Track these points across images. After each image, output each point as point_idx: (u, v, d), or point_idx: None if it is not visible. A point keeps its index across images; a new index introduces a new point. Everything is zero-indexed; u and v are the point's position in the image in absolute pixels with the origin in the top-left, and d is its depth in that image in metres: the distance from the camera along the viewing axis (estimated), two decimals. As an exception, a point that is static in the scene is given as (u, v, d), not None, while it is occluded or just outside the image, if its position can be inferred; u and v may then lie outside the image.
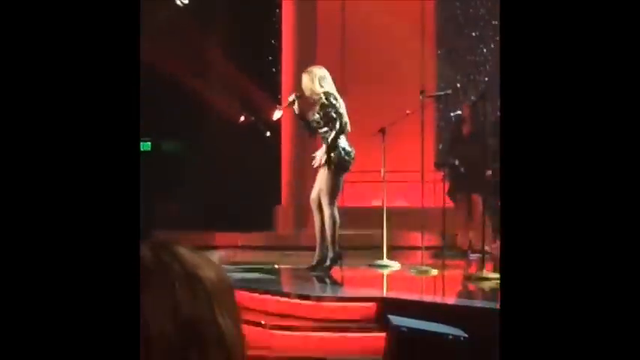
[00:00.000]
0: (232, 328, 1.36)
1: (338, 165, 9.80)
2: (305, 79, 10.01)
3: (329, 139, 9.78)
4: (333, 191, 9.81)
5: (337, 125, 9.77)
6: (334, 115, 9.78)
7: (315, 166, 10.01)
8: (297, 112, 10.02)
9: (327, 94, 9.84)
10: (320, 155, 9.90)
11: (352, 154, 9.88)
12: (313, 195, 9.95)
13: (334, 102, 9.83)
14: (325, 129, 9.83)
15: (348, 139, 9.95)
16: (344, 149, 9.83)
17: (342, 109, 9.87)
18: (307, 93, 9.94)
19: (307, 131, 10.20)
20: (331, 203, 9.77)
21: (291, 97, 10.05)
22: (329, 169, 9.79)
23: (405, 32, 14.44)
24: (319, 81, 9.89)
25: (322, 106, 9.83)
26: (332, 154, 9.78)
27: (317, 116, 9.87)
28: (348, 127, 9.92)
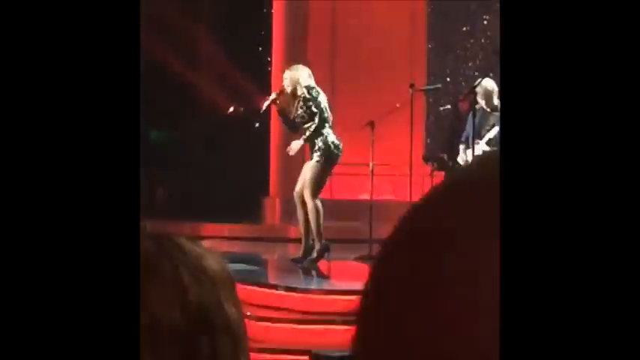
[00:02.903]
0: (238, 316, 1.37)
1: (327, 158, 9.81)
2: (287, 75, 10.03)
3: (309, 131, 9.80)
4: (318, 184, 9.81)
5: (316, 119, 9.78)
6: (315, 110, 9.79)
7: (290, 154, 10.03)
8: (278, 109, 10.05)
9: (308, 88, 9.86)
10: (295, 145, 9.92)
11: (340, 148, 9.89)
12: (297, 188, 9.95)
13: (316, 95, 9.85)
14: (309, 124, 9.84)
15: (335, 133, 9.96)
16: (333, 143, 9.83)
17: (324, 103, 9.89)
18: (289, 89, 9.95)
19: (289, 129, 10.22)
20: (314, 196, 9.77)
21: (273, 95, 10.07)
22: (317, 161, 9.80)
23: (396, 26, 14.43)
24: (302, 77, 9.91)
25: (305, 100, 9.85)
26: (323, 147, 9.77)
27: (300, 111, 9.88)
28: (330, 120, 9.93)
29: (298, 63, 10.54)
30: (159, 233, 1.42)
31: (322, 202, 9.99)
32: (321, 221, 9.79)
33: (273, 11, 14.96)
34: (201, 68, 16.20)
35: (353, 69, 14.25)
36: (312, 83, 9.97)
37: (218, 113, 16.09)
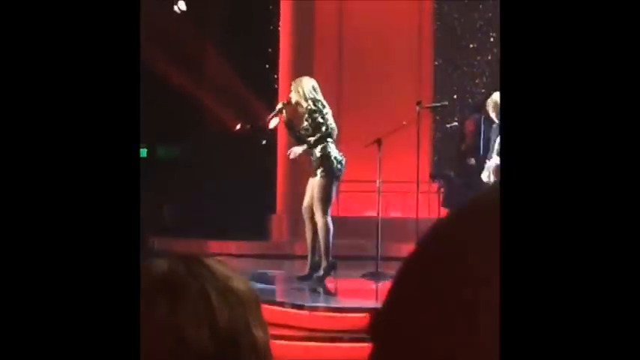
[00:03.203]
0: (265, 338, 1.38)
1: (330, 173, 9.81)
2: (294, 87, 10.06)
3: (312, 141, 9.81)
4: (327, 200, 9.81)
5: (323, 129, 9.80)
6: (321, 120, 9.81)
7: (290, 157, 10.05)
8: (284, 119, 10.06)
9: (314, 101, 9.87)
10: (297, 149, 9.93)
11: (344, 163, 9.90)
12: (305, 204, 9.95)
13: (321, 108, 9.86)
14: (314, 137, 9.85)
15: (338, 148, 9.98)
16: (335, 158, 9.84)
17: (329, 116, 9.91)
18: (295, 101, 9.97)
19: (295, 140, 10.22)
20: (325, 212, 9.77)
21: (279, 106, 10.09)
22: (321, 177, 9.80)
23: (402, 43, 14.45)
24: (308, 89, 9.92)
25: (310, 112, 9.86)
26: (326, 162, 9.78)
27: (305, 124, 9.89)
28: (335, 133, 9.94)
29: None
30: (187, 255, 1.43)
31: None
32: (331, 238, 9.78)
33: (280, 29, 14.99)
34: (209, 86, 16.23)
35: (360, 87, 14.27)
36: (319, 95, 9.98)
37: (225, 131, 16.10)
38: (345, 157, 9.94)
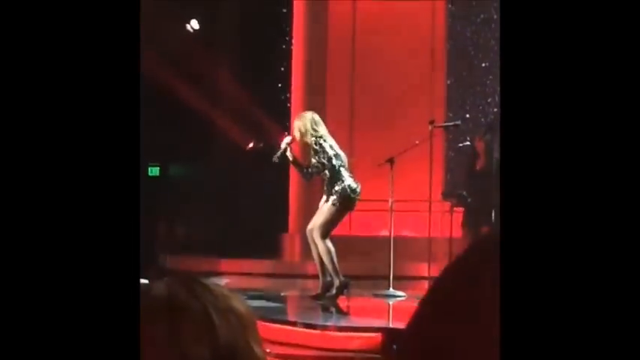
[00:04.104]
0: (262, 355, 1.42)
1: (344, 203, 9.78)
2: (297, 125, 10.02)
3: (327, 177, 9.78)
4: (329, 227, 9.77)
5: (333, 162, 9.75)
6: (327, 156, 9.77)
7: (274, 161, 9.99)
8: (290, 158, 10.01)
9: (316, 137, 9.83)
10: (277, 155, 9.89)
11: (358, 191, 9.83)
12: (309, 226, 9.92)
13: (323, 143, 9.81)
14: (327, 173, 9.82)
15: (353, 175, 9.92)
16: (349, 186, 9.78)
17: (335, 147, 9.84)
18: (299, 138, 9.97)
19: (304, 179, 10.23)
20: (324, 237, 9.73)
21: (284, 144, 10.01)
22: (332, 204, 9.76)
23: (415, 63, 14.46)
24: (311, 126, 9.88)
25: (315, 151, 9.85)
26: (340, 192, 9.72)
27: (314, 161, 9.87)
28: (346, 160, 9.89)
29: (317, 99, 10.54)
30: (188, 276, 1.47)
31: (341, 238, 9.94)
32: (335, 259, 9.74)
33: (292, 48, 15.03)
34: (221, 105, 16.26)
35: (372, 106, 14.27)
36: (320, 130, 9.92)
37: (238, 149, 16.13)
38: (359, 183, 9.87)
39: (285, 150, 9.95)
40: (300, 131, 9.90)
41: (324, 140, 9.85)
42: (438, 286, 0.91)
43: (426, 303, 0.90)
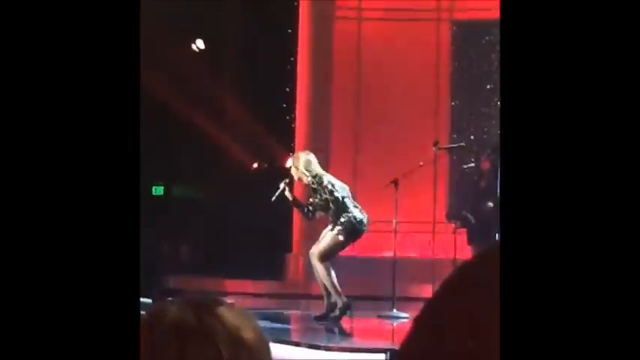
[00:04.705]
0: None
1: (349, 234, 9.77)
2: (293, 163, 10.01)
3: (332, 213, 9.77)
4: (329, 252, 9.77)
5: (336, 195, 9.74)
6: (328, 193, 9.77)
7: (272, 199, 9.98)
8: (290, 198, 10.01)
9: (313, 177, 9.83)
10: (275, 195, 9.87)
11: (365, 222, 9.81)
12: (312, 250, 9.92)
13: (322, 180, 9.81)
14: (330, 213, 9.82)
15: (358, 206, 9.89)
16: (355, 217, 9.77)
17: (335, 184, 9.83)
18: (297, 178, 9.98)
19: (306, 218, 10.22)
20: (322, 260, 9.72)
21: (282, 185, 9.99)
22: (336, 234, 9.75)
23: (420, 85, 14.49)
24: (305, 166, 9.88)
25: (314, 190, 9.86)
26: (346, 223, 9.71)
27: (316, 200, 9.88)
28: (348, 195, 9.87)
29: (322, 120, 10.52)
30: (200, 302, 1.43)
31: (346, 259, 9.93)
32: (334, 278, 9.72)
33: (297, 69, 15.04)
34: (226, 125, 16.27)
35: (377, 128, 14.28)
36: (315, 169, 9.91)
37: (242, 169, 16.13)
38: (366, 214, 9.85)
39: (284, 190, 9.94)
40: (297, 169, 9.91)
41: (321, 177, 9.84)
42: (428, 304, 0.91)
43: (417, 321, 0.92)
